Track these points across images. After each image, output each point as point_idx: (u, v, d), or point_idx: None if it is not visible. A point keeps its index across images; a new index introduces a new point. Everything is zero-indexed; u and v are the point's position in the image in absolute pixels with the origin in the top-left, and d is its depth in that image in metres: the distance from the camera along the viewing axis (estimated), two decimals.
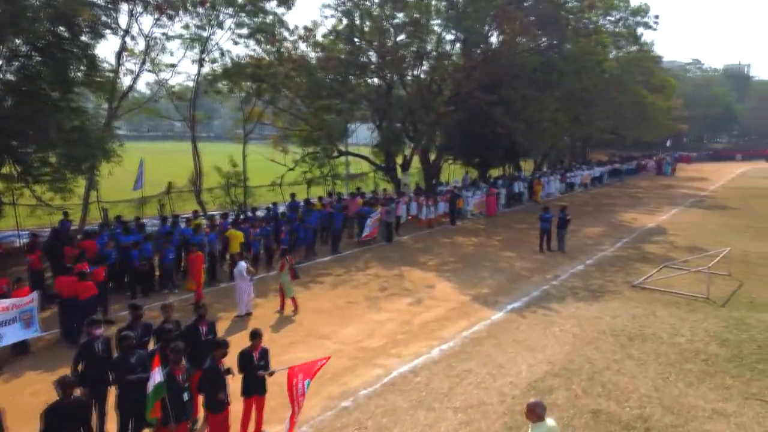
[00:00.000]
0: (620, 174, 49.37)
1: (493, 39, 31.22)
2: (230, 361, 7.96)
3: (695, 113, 73.39)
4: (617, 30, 42.40)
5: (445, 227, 25.62)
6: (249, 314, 13.69)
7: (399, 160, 30.76)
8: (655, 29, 41.81)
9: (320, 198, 23.60)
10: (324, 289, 16.11)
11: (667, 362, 10.78)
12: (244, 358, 7.95)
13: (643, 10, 41.72)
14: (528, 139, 31.34)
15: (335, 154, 27.88)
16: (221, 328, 12.76)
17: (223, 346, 7.54)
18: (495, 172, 41.48)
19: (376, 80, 30.26)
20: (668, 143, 66.14)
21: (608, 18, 42.00)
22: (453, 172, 37.98)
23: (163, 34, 22.47)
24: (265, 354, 8.20)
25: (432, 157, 33.36)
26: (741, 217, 28.39)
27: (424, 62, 29.33)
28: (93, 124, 18.65)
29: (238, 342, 11.66)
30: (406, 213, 25.28)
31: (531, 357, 11.04)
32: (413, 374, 10.38)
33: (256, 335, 8.11)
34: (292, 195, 23.01)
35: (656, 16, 41.35)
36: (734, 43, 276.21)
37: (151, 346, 8.66)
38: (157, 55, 22.76)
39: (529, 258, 19.74)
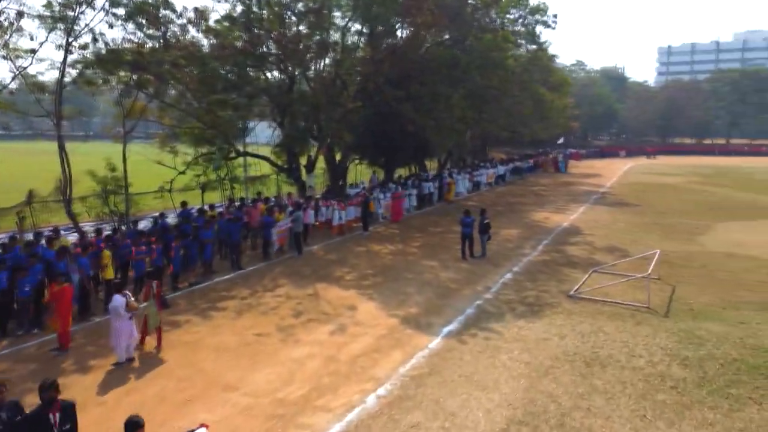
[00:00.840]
0: (521, 172, 49.90)
1: (400, 32, 29.67)
2: None
3: (581, 112, 76.76)
4: (516, 29, 42.49)
5: (357, 234, 23.59)
6: (131, 360, 10.86)
7: (303, 160, 28.36)
8: (553, 28, 42.27)
9: (212, 206, 20.72)
10: (227, 317, 13.50)
11: (637, 393, 9.41)
12: None
13: (541, 9, 41.99)
14: (438, 137, 30.09)
15: (232, 154, 24.98)
16: (93, 383, 9.97)
17: None
18: (403, 173, 40.18)
19: (276, 73, 27.62)
20: (560, 141, 68.51)
21: (507, 16, 41.96)
22: (360, 173, 36.08)
23: (18, 12, 18.63)
24: None
25: (338, 157, 31.28)
26: (644, 214, 28.77)
27: (328, 55, 27.11)
28: None
29: (116, 404, 9.00)
30: (314, 219, 23.03)
31: (486, 399, 9.27)
32: None
33: (134, 426, 5.60)
34: (183, 203, 19.94)
35: (554, 15, 41.77)
36: (609, 47, 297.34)
37: None
38: (11, 37, 18.83)
39: (453, 267, 18.17)
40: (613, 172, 57.42)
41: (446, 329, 12.58)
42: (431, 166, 45.29)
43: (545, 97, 43.89)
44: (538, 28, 43.01)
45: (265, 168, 28.83)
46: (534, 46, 45.25)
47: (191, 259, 16.09)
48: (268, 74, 26.83)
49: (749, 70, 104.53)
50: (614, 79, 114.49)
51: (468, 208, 20.64)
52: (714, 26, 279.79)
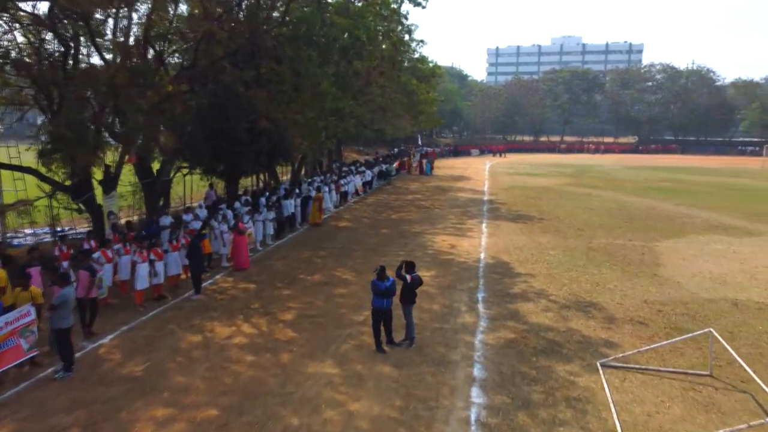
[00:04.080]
0: (388, 176, 42.99)
1: None
2: None
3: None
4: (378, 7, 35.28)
5: (185, 299, 14.42)
6: None
7: (98, 173, 18.31)
8: (424, 6, 35.61)
9: None
10: None
11: None
12: None
13: None
14: (307, 137, 21.58)
15: None
16: None
17: None
18: (248, 183, 31.31)
19: (46, 35, 17.14)
20: (419, 141, 63.30)
21: None
22: (191, 187, 26.26)
23: None
24: None
25: (156, 166, 21.51)
26: (564, 234, 23.00)
27: (134, 9, 17.36)
28: None
29: None
30: (110, 280, 13.55)
31: None
32: None
33: None
34: None
35: None
36: (441, 46, 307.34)
37: None
38: None
39: (370, 378, 9.98)
40: (478, 172, 53.23)
41: None
42: (281, 172, 36.78)
43: (417, 88, 37.38)
44: (405, 7, 36.42)
45: (32, 187, 18.21)
46: (399, 28, 38.48)
47: None
48: (27, 32, 16.38)
49: (580, 70, 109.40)
50: (455, 76, 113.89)
51: (383, 263, 12.57)
52: (535, 31, 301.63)
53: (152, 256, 13.88)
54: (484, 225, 25.12)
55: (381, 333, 11.12)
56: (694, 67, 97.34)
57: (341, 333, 12.04)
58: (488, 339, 11.78)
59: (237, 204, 21.45)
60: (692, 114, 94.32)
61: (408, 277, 11.18)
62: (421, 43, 37.74)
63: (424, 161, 51.14)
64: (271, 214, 20.76)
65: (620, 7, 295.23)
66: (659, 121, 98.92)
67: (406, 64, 37.57)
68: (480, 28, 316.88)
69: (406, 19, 36.65)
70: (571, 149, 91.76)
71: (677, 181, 45.85)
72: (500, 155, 78.73)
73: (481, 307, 13.86)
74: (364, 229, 24.10)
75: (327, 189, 27.74)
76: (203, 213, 19.02)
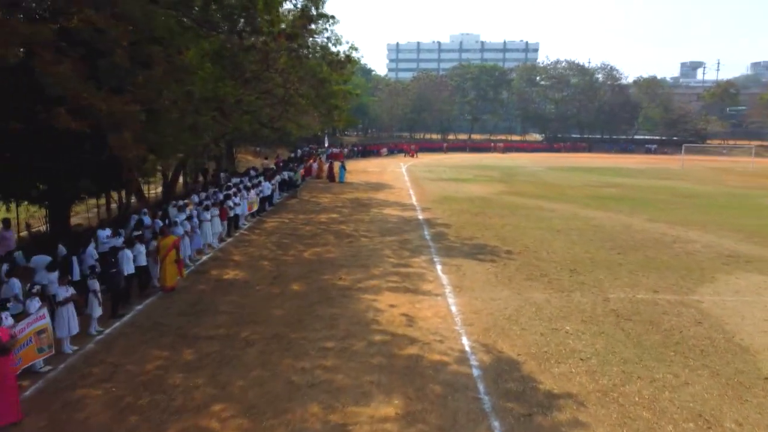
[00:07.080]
0: (293, 187, 34.34)
1: None
2: None
3: None
4: None
5: None
6: None
7: None
8: None
9: None
10: None
11: None
12: None
13: None
14: (161, 150, 12.73)
15: None
16: None
17: None
18: (86, 209, 21.93)
19: None
20: (326, 141, 54.93)
21: None
22: None
23: None
24: None
25: None
26: (560, 282, 15.95)
27: None
28: None
29: None
30: None
31: None
32: None
33: None
34: None
35: None
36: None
37: None
38: None
39: None
40: (396, 178, 45.87)
41: None
42: (149, 187, 27.34)
43: (328, 77, 29.15)
44: None
45: None
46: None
47: None
48: None
49: (488, 66, 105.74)
50: (360, 70, 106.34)
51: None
52: (433, 27, 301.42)
53: None
54: (439, 267, 17.50)
55: None
56: (598, 65, 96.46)
57: None
58: None
59: (37, 259, 12.23)
60: (598, 112, 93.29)
61: None
62: (332, 20, 29.31)
63: (336, 164, 42.96)
64: (96, 285, 11.78)
65: (516, 7, 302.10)
66: (566, 119, 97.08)
67: (312, 40, 29.22)
68: (379, 23, 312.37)
69: None
70: (452, 147, 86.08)
71: (617, 185, 41.22)
72: (413, 155, 72.07)
73: None
74: (263, 284, 15.62)
75: (205, 217, 18.83)
76: None
